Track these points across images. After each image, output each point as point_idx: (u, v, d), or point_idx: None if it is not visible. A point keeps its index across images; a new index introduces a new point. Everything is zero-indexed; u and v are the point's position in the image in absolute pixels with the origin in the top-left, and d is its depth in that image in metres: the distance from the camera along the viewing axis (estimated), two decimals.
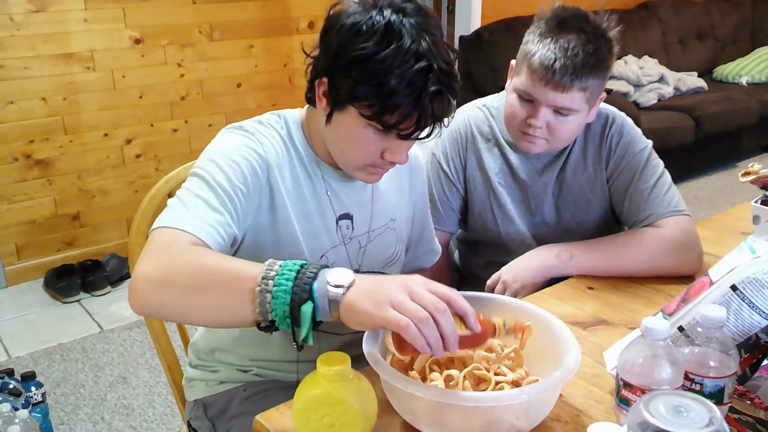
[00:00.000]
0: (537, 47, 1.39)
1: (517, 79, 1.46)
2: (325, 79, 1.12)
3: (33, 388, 2.17)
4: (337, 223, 1.26)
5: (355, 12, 1.08)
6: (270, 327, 0.92)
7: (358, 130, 1.11)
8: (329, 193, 1.25)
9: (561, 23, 1.40)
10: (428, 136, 1.13)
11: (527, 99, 1.44)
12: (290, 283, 0.88)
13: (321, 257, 1.24)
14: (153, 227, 1.03)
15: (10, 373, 2.21)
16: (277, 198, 1.18)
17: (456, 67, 1.10)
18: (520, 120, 1.45)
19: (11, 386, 2.11)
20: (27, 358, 2.65)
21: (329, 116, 1.14)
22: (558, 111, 1.42)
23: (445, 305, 0.87)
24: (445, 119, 1.12)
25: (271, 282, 0.89)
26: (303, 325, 0.89)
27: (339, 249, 1.27)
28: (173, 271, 0.94)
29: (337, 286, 0.88)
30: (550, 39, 1.38)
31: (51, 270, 3.17)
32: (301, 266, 0.91)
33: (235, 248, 1.18)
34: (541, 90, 1.39)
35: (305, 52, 1.15)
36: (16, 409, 1.97)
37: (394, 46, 1.03)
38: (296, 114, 1.27)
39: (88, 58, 3.16)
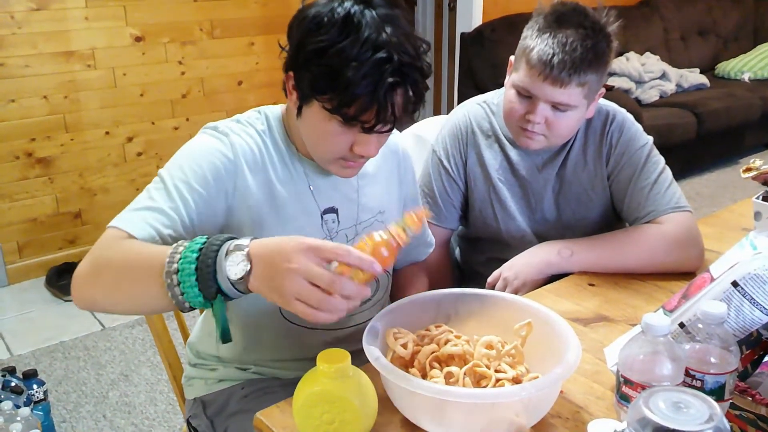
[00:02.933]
0: (535, 42, 1.39)
1: (515, 75, 1.45)
2: (291, 73, 1.12)
3: (35, 386, 2.18)
4: (321, 217, 1.25)
5: (319, 5, 1.08)
6: (193, 308, 0.95)
7: (324, 124, 1.10)
8: (311, 188, 1.24)
9: (559, 18, 1.39)
10: (392, 129, 1.12)
11: (526, 95, 1.43)
12: (194, 279, 0.91)
13: None
14: (109, 224, 1.07)
15: (11, 371, 2.21)
16: (250, 200, 1.17)
17: (424, 61, 1.09)
18: (519, 116, 1.45)
19: (13, 384, 2.11)
20: (29, 356, 2.65)
21: (299, 110, 1.14)
22: (556, 107, 1.41)
23: (338, 277, 0.87)
24: (414, 112, 1.11)
25: (175, 277, 0.92)
26: (217, 325, 0.96)
27: None
28: (99, 268, 1.00)
29: (239, 280, 0.90)
30: (548, 34, 1.38)
31: (53, 268, 3.18)
32: (198, 257, 0.92)
33: None
34: (539, 85, 1.39)
35: (281, 46, 1.15)
36: (18, 407, 1.97)
37: (352, 37, 1.03)
38: (278, 110, 1.27)
39: (89, 56, 3.16)
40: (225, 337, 0.98)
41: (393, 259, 0.96)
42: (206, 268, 0.91)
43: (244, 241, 0.93)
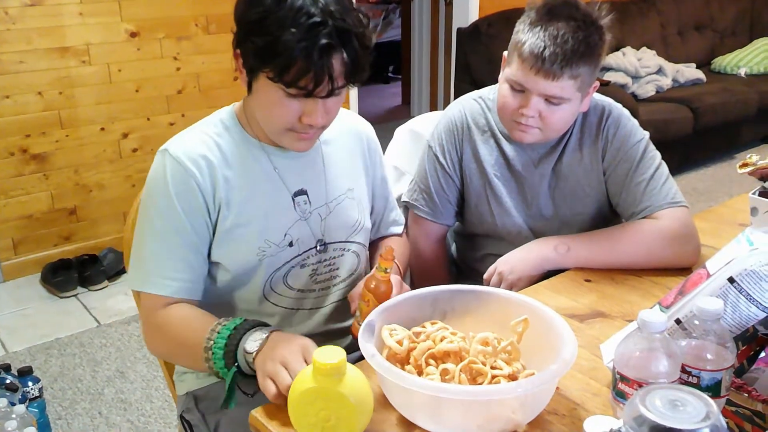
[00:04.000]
0: (527, 36, 1.38)
1: (508, 69, 1.45)
2: (238, 51, 1.17)
3: (30, 383, 2.17)
4: (293, 200, 1.30)
5: None
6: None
7: (270, 94, 1.15)
8: (278, 172, 1.28)
9: (551, 11, 1.39)
10: (331, 94, 1.14)
11: (519, 89, 1.43)
12: (223, 364, 1.11)
13: (284, 236, 1.27)
14: (134, 286, 1.24)
15: (7, 368, 2.20)
16: (222, 207, 1.23)
17: (364, 30, 1.13)
18: (512, 110, 1.45)
19: (8, 381, 2.11)
20: (24, 353, 2.64)
21: (249, 87, 1.19)
22: (549, 100, 1.41)
23: (283, 371, 1.02)
24: (355, 81, 1.15)
25: (212, 361, 1.12)
26: (226, 392, 1.11)
27: (300, 224, 1.30)
28: (163, 351, 1.29)
29: (251, 353, 1.08)
30: (539, 27, 1.37)
31: (48, 265, 3.17)
32: (225, 351, 1.10)
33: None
34: (531, 79, 1.39)
35: (233, 32, 1.18)
36: (13, 405, 1.97)
37: (287, 6, 1.08)
38: (231, 107, 1.32)
39: (84, 52, 3.15)
40: (228, 402, 1.13)
41: (389, 287, 1.19)
42: (231, 354, 1.10)
43: (268, 329, 1.12)
